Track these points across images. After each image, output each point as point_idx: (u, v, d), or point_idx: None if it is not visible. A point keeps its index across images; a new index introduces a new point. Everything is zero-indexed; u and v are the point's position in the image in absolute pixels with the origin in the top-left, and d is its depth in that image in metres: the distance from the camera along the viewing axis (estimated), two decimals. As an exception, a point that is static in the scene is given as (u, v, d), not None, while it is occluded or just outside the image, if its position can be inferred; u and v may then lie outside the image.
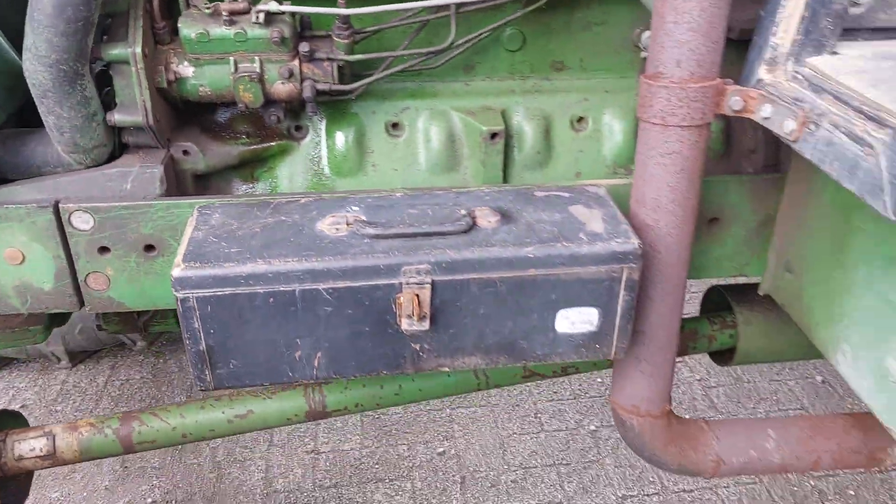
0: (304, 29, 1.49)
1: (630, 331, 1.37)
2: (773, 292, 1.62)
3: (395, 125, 1.64)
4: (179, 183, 1.53)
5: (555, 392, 3.12)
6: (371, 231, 1.28)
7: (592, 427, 2.95)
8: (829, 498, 2.64)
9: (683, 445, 1.63)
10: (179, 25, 1.42)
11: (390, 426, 2.96)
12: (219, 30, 1.41)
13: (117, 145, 1.50)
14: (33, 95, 1.32)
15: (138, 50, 1.36)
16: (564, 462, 2.78)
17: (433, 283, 1.26)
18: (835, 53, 1.26)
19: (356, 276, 1.24)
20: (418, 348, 1.33)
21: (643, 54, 1.64)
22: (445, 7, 1.48)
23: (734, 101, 1.30)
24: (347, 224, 1.31)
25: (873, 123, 1.07)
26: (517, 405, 3.06)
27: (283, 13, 1.42)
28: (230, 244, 1.26)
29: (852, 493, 2.66)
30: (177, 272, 1.20)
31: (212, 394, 1.67)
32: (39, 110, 1.35)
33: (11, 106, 1.47)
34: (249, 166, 1.61)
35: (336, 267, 1.23)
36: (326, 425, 2.95)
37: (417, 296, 1.25)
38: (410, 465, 2.78)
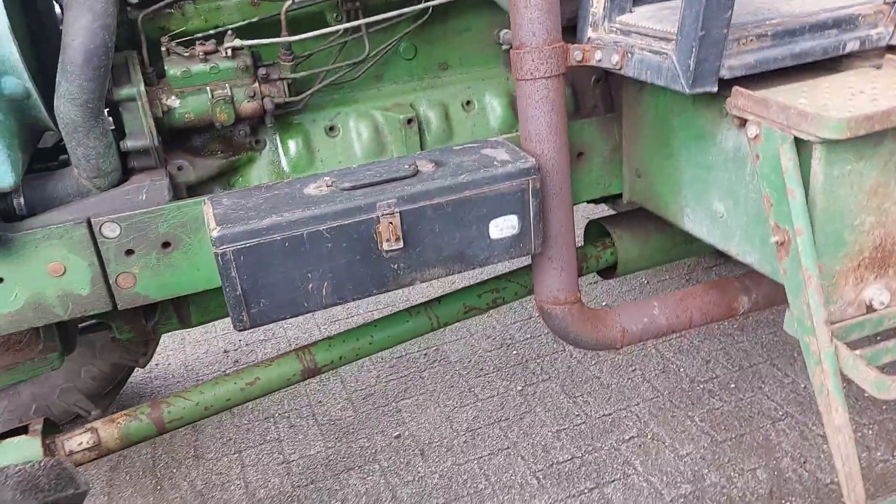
0: (255, 60, 1.95)
1: (541, 230, 1.89)
2: (633, 196, 2.21)
3: (331, 128, 2.12)
4: (176, 193, 1.92)
5: (480, 369, 3.59)
6: (348, 185, 1.74)
7: (519, 388, 3.44)
8: (717, 393, 3.25)
9: (596, 324, 2.15)
10: (166, 67, 1.84)
11: (346, 426, 3.31)
12: (197, 66, 1.85)
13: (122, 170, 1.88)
14: (63, 133, 1.69)
15: (143, 88, 1.77)
16: (503, 418, 3.24)
17: (400, 213, 1.73)
18: (631, 12, 1.88)
19: (345, 216, 1.69)
20: (396, 267, 1.78)
21: (504, 48, 2.22)
22: (358, 29, 2.00)
23: (576, 54, 1.88)
24: (327, 186, 1.76)
25: (663, 42, 1.67)
26: (452, 386, 3.50)
27: (244, 48, 1.88)
28: (247, 211, 1.67)
29: (733, 385, 3.29)
30: (215, 233, 1.60)
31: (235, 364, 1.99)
32: (68, 146, 1.71)
33: (29, 156, 1.82)
34: (225, 176, 2.03)
35: (330, 211, 1.68)
36: (288, 438, 3.26)
37: (391, 223, 1.72)
38: (373, 451, 3.14)
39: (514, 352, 3.71)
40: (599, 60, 1.85)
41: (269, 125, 2.00)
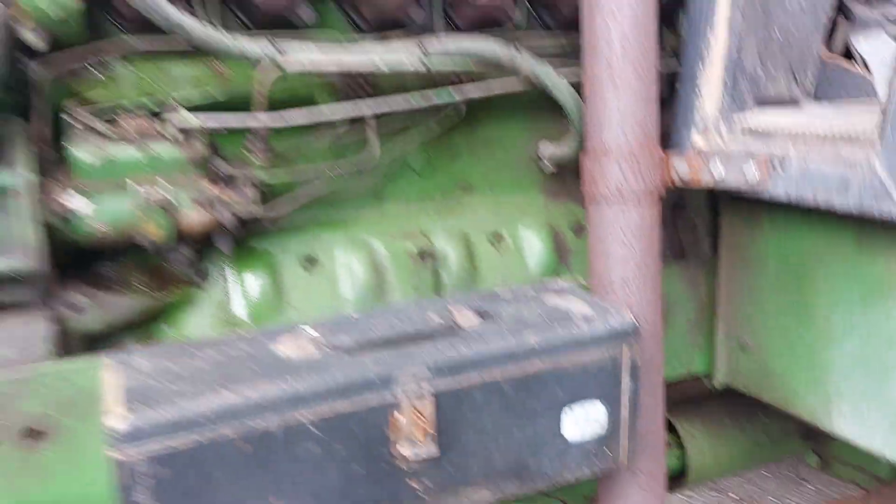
0: (214, 150, 1.23)
1: (637, 429, 1.15)
2: (731, 379, 1.54)
3: (310, 259, 1.41)
4: (65, 347, 1.15)
5: None
6: (347, 342, 0.95)
7: None
8: None
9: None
10: (70, 147, 1.12)
11: None
12: (122, 151, 1.14)
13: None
14: None
15: (30, 178, 1.05)
16: None
17: (436, 395, 0.94)
18: (752, 110, 1.31)
19: (345, 394, 0.90)
20: (419, 487, 0.95)
21: (544, 164, 1.58)
22: (361, 120, 1.32)
23: (680, 168, 1.27)
24: (312, 343, 0.96)
25: (847, 145, 1.09)
26: None
27: (200, 129, 1.21)
28: (179, 384, 0.91)
29: None
30: (122, 424, 0.81)
31: None
32: None
33: None
34: (147, 323, 1.28)
35: (321, 387, 0.90)
36: None
37: (419, 411, 0.93)
38: None
39: None
40: (721, 179, 1.23)
41: (224, 248, 1.28)
